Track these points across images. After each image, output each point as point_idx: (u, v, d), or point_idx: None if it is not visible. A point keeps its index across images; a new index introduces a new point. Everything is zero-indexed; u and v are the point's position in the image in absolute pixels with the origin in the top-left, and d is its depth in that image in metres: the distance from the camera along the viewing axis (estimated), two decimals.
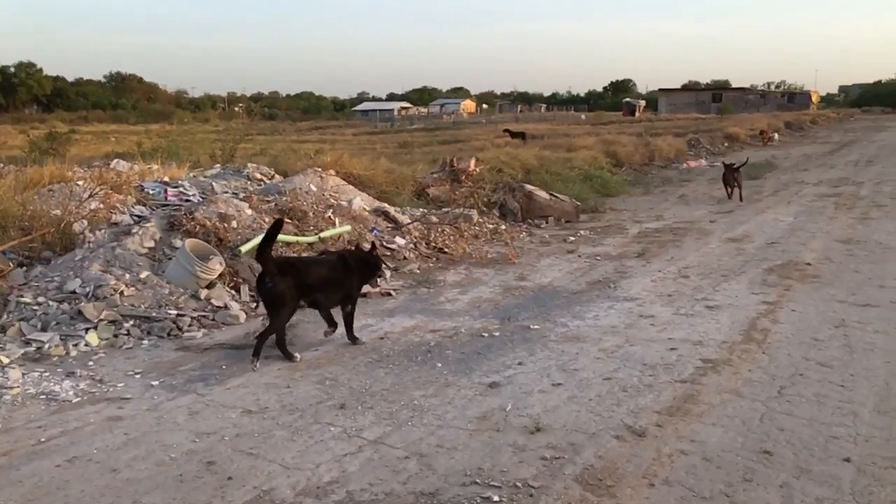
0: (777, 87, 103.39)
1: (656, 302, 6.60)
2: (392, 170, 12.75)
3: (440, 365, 5.00)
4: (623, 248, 9.25)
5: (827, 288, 6.95)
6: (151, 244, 6.73)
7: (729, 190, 13.73)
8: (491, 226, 10.42)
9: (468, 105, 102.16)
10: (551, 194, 12.01)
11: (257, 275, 5.30)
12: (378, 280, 5.92)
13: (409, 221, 9.47)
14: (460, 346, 5.41)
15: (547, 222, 11.34)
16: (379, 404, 4.31)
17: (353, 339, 5.47)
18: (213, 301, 6.22)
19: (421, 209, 10.76)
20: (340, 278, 5.37)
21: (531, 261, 8.59)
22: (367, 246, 6.02)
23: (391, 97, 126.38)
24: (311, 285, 5.18)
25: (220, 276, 6.49)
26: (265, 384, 4.68)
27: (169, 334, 5.69)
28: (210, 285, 6.37)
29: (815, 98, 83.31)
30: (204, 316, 6.04)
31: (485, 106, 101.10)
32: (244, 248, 6.82)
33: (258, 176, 10.61)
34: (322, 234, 7.70)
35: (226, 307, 6.20)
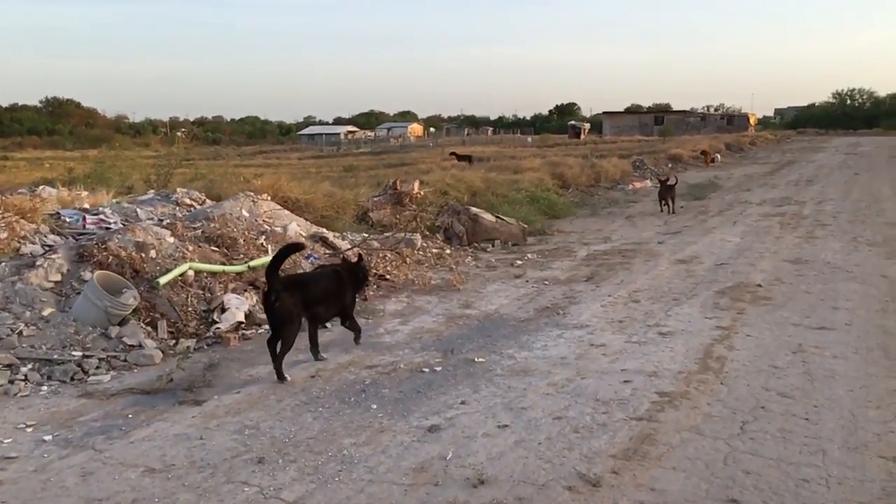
0: (716, 109, 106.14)
1: (607, 329, 6.26)
2: (332, 193, 12.27)
3: (375, 407, 4.53)
4: (571, 272, 8.93)
5: (780, 310, 6.72)
6: (58, 277, 6.11)
7: (662, 203, 14.98)
8: (435, 250, 10.02)
9: (415, 128, 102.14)
10: (497, 217, 11.68)
11: (263, 292, 5.35)
12: (366, 290, 6.33)
13: (349, 247, 9.00)
14: (398, 384, 4.95)
15: (493, 246, 10.98)
16: (303, 456, 3.82)
17: (357, 337, 5.84)
18: (125, 340, 5.64)
19: (362, 234, 10.30)
20: (337, 291, 5.59)
21: (477, 287, 8.20)
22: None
23: (338, 121, 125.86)
24: (313, 300, 5.33)
25: (134, 311, 5.91)
26: (175, 435, 4.14)
27: (72, 378, 5.09)
28: (123, 322, 5.79)
29: (752, 120, 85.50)
30: (114, 356, 5.45)
31: (432, 129, 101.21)
32: (163, 280, 6.24)
33: (187, 201, 10.01)
34: (252, 263, 7.17)
35: (140, 346, 5.62)
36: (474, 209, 11.64)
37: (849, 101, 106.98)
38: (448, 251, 10.14)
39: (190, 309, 6.29)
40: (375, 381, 5.01)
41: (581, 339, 5.96)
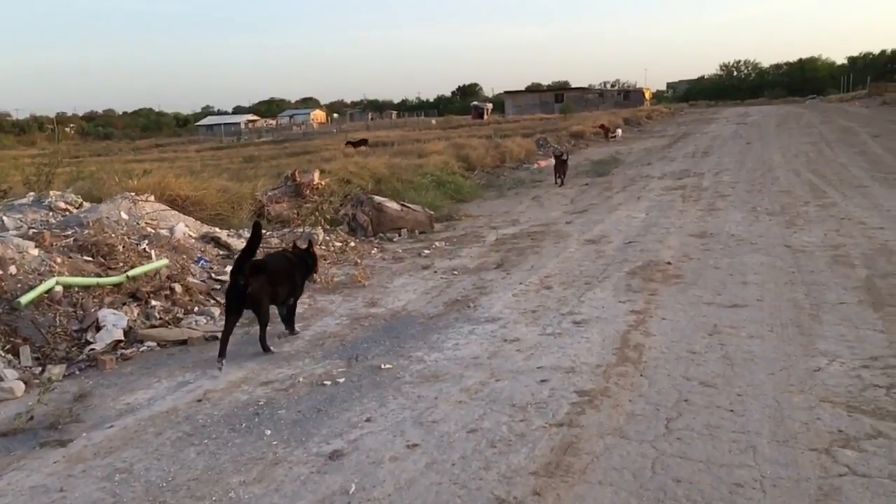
0: (613, 85, 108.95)
1: (520, 321, 5.94)
2: (227, 188, 11.51)
3: (269, 432, 4.04)
4: (481, 259, 8.61)
5: (692, 289, 6.60)
6: None
7: (557, 175, 16.08)
8: (338, 244, 9.51)
9: (318, 115, 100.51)
10: (403, 205, 11.24)
11: (229, 276, 5.48)
12: (315, 276, 6.74)
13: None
14: (296, 402, 4.47)
15: (400, 235, 10.55)
16: None
17: (291, 330, 5.90)
18: None
19: None
20: (290, 275, 5.73)
21: (383, 281, 7.76)
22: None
23: (238, 110, 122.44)
24: (275, 282, 5.48)
25: None
26: (31, 488, 3.53)
27: None
28: None
29: (647, 95, 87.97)
30: None
31: (335, 115, 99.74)
32: (25, 300, 5.51)
33: (62, 205, 9.09)
34: (131, 273, 6.48)
35: None
36: (378, 198, 11.16)
37: (735, 73, 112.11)
38: (352, 244, 9.65)
39: (59, 330, 5.58)
40: (271, 401, 4.51)
41: (494, 335, 5.62)
